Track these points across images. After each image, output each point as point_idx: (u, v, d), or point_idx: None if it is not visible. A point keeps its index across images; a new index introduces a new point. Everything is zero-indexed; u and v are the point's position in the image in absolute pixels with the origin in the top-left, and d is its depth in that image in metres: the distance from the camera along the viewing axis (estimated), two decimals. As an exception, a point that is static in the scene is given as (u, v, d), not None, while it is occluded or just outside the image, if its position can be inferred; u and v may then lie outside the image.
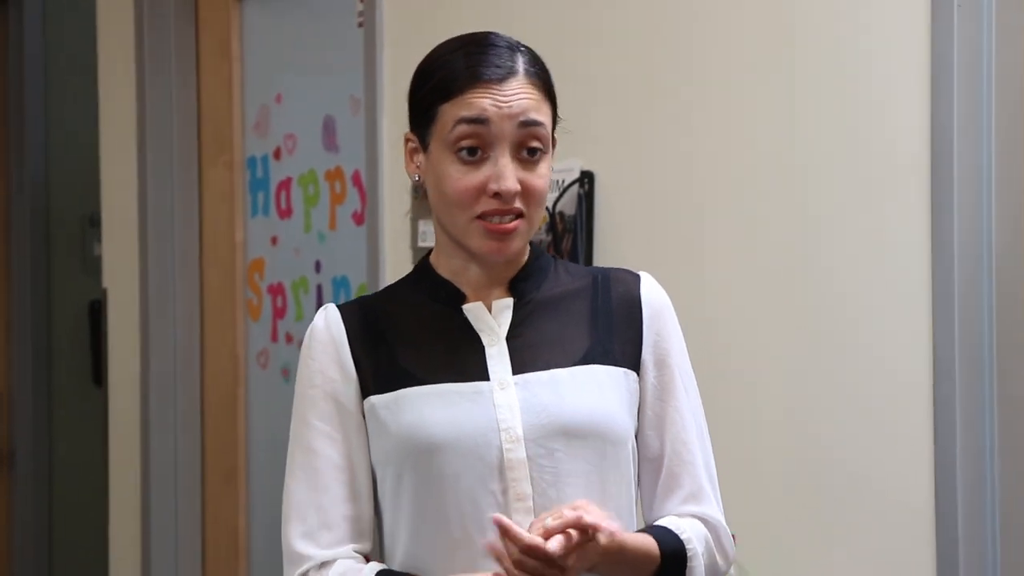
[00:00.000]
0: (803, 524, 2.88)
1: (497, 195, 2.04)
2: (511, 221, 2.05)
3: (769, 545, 2.87)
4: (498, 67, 2.05)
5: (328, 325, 2.12)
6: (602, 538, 1.97)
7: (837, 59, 2.84)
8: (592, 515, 1.97)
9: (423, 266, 2.16)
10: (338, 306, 2.14)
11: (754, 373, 2.95)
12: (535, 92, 2.07)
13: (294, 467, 2.11)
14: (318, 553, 2.06)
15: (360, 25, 3.75)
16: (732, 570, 2.68)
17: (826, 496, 2.84)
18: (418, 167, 2.11)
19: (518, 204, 2.05)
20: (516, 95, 2.05)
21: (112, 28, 4.45)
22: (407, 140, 2.13)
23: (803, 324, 2.88)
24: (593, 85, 3.18)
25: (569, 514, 1.94)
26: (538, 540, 1.93)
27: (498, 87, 2.05)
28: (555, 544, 1.93)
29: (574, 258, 3.17)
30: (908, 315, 2.73)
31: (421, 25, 3.56)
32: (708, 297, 2.98)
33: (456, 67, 2.06)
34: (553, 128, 2.11)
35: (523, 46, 2.10)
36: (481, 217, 2.05)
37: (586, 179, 3.20)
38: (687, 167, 3.07)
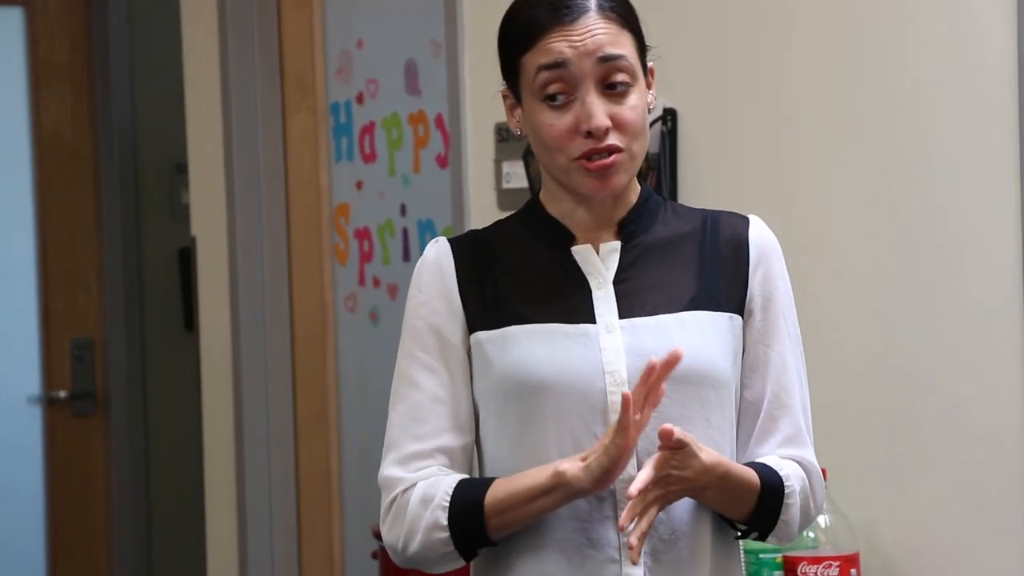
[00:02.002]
0: (891, 455, 2.88)
1: (590, 134, 2.05)
2: (609, 156, 2.06)
3: (857, 477, 2.87)
4: (568, 8, 2.06)
5: (438, 257, 2.14)
6: (702, 454, 1.99)
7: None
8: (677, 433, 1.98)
9: (533, 204, 2.17)
10: (449, 239, 2.16)
11: (842, 307, 2.94)
12: (611, 25, 2.07)
13: (396, 399, 2.13)
14: (409, 476, 2.09)
15: (439, -32, 3.75)
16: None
17: (915, 426, 2.84)
18: (518, 121, 2.13)
19: (613, 140, 2.06)
20: (590, 32, 2.06)
21: (193, -25, 4.47)
22: (504, 97, 2.15)
23: (896, 256, 2.86)
24: (675, 21, 3.17)
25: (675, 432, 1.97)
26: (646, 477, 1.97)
27: (571, 28, 2.06)
28: (634, 487, 1.96)
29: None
30: (998, 239, 2.72)
31: (500, -33, 3.56)
32: (794, 234, 2.97)
33: (530, 16, 2.08)
34: (643, 58, 2.11)
35: None
36: (579, 159, 2.06)
37: (669, 116, 3.19)
38: (771, 103, 3.06)
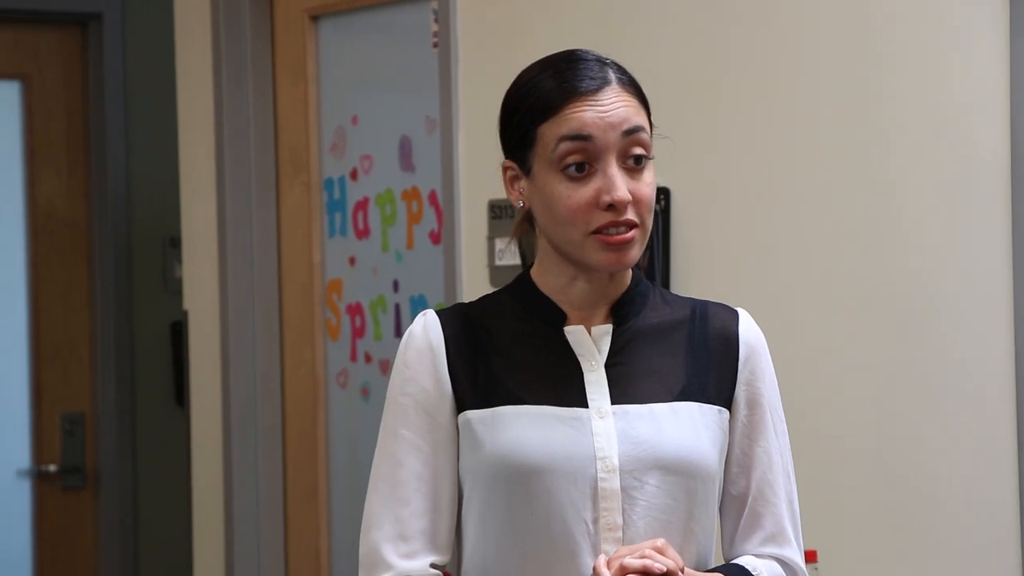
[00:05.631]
0: (882, 538, 2.85)
1: (611, 207, 2.02)
2: (627, 231, 2.04)
3: (848, 561, 2.85)
4: (591, 79, 2.03)
5: (427, 332, 2.10)
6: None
7: (917, 67, 2.82)
8: (669, 557, 1.97)
9: (524, 280, 2.13)
10: (437, 312, 2.12)
11: (835, 391, 2.93)
12: (631, 99, 2.05)
13: (378, 477, 2.10)
14: (397, 563, 2.06)
15: (435, 46, 3.76)
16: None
17: (906, 510, 2.82)
18: (520, 193, 2.09)
19: (630, 214, 2.03)
20: (614, 104, 2.03)
21: (190, 51, 4.49)
22: (505, 168, 2.10)
23: (886, 339, 2.85)
24: (668, 101, 3.18)
25: (648, 561, 1.95)
26: None
27: (595, 98, 2.02)
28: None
29: (651, 275, 3.16)
30: (990, 323, 2.71)
31: (496, 45, 3.57)
32: (786, 316, 2.96)
33: (548, 86, 2.04)
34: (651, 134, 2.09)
35: (608, 58, 2.09)
36: (596, 232, 2.03)
37: (662, 196, 3.19)
38: (766, 183, 3.06)
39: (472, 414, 2.07)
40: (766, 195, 3.05)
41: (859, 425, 2.89)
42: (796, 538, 2.13)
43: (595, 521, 2.03)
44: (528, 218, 2.13)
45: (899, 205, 2.85)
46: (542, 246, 2.11)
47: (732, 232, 3.11)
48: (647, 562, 1.95)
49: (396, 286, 4.06)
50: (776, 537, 2.11)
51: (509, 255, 3.51)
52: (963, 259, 2.76)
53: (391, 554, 2.06)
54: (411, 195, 4.00)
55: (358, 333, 4.17)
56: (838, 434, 2.91)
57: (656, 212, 3.18)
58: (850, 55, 2.92)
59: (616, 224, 2.02)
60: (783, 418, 2.14)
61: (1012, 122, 2.69)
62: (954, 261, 2.77)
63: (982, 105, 2.73)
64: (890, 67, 2.86)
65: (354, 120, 4.18)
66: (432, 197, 3.92)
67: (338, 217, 4.23)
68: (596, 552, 2.02)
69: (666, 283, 3.15)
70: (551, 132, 2.03)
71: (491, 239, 3.57)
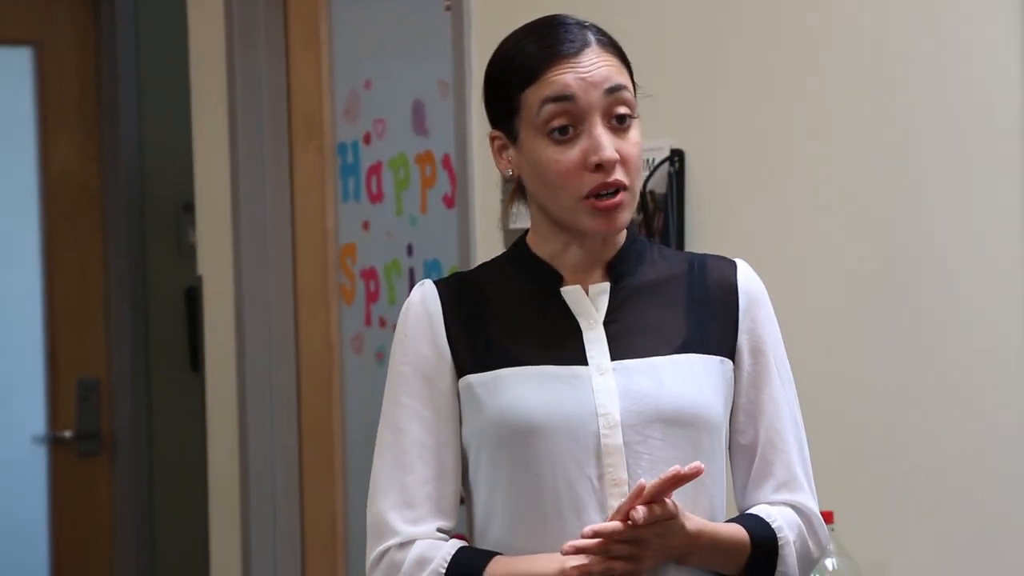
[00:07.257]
0: (899, 496, 2.86)
1: (599, 167, 2.03)
2: (616, 195, 2.04)
3: (864, 519, 2.85)
4: (571, 41, 2.05)
5: (424, 301, 2.12)
6: (687, 523, 1.98)
7: (931, 30, 2.81)
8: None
9: (520, 246, 2.15)
10: (435, 282, 2.14)
11: (851, 352, 2.93)
12: (612, 59, 2.07)
13: (382, 445, 2.12)
14: (403, 529, 2.07)
15: (447, 9, 3.75)
16: (831, 547, 2.67)
17: (922, 467, 2.82)
18: (509, 162, 2.10)
19: (619, 175, 2.04)
20: (595, 64, 2.04)
21: (202, 16, 4.49)
22: (493, 139, 2.13)
23: (902, 299, 2.85)
24: (683, 62, 3.17)
25: (656, 482, 1.95)
26: (619, 525, 1.96)
27: (575, 60, 2.04)
28: (640, 513, 1.94)
29: (665, 238, 3.16)
30: (1005, 283, 2.70)
31: (509, 8, 3.56)
32: (799, 277, 2.96)
33: (529, 52, 2.06)
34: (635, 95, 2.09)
35: (588, 21, 2.10)
36: (587, 197, 2.04)
37: (676, 157, 3.18)
38: (780, 144, 3.05)
39: (473, 378, 2.08)
40: (781, 156, 3.05)
41: (877, 386, 2.89)
42: (808, 484, 2.13)
43: (600, 477, 2.04)
44: (520, 187, 2.13)
45: (915, 162, 2.84)
46: (534, 213, 2.13)
47: (747, 194, 3.10)
48: (666, 475, 1.95)
49: (410, 250, 4.06)
50: (788, 484, 2.11)
51: (523, 219, 3.50)
52: (978, 221, 2.76)
53: (397, 520, 2.08)
54: (424, 159, 4.00)
55: (372, 297, 4.18)
56: (855, 395, 2.91)
57: (671, 174, 3.21)
58: (866, 13, 2.91)
59: (606, 186, 2.03)
60: (788, 366, 2.14)
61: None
62: (969, 223, 2.77)
63: (998, 69, 2.72)
64: (906, 30, 2.85)
65: (367, 84, 4.18)
66: (446, 161, 3.92)
67: (351, 182, 4.23)
68: (603, 509, 2.03)
69: (681, 245, 3.15)
70: (534, 96, 2.05)
71: (505, 202, 3.56)
